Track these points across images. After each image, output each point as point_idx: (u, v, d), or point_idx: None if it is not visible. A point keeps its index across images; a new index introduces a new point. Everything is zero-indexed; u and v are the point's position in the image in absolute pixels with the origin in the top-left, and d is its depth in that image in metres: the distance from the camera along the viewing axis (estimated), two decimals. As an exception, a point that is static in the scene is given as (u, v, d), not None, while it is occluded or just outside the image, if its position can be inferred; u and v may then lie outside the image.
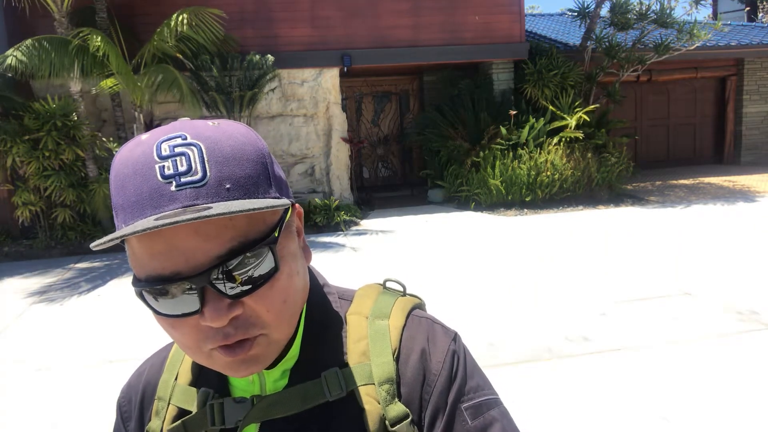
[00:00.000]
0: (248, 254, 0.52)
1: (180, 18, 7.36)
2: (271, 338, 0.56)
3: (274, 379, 0.63)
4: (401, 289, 0.71)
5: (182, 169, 0.51)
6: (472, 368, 0.65)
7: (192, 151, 0.52)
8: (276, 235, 0.55)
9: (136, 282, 0.53)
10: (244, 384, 0.64)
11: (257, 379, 0.63)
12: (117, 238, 0.49)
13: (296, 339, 0.64)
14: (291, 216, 0.59)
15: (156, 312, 0.54)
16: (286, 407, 0.60)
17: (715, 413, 2.73)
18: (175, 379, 0.68)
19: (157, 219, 0.48)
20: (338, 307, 0.68)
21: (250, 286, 0.53)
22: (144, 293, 0.53)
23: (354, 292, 0.71)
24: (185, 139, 0.52)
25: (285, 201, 0.53)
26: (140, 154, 0.53)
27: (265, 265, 0.53)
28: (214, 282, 0.51)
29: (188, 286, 0.51)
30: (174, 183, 0.50)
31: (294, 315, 0.59)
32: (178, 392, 0.66)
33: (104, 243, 0.49)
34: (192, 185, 0.50)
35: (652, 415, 2.74)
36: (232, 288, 0.52)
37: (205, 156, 0.52)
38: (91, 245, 0.51)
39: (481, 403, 0.62)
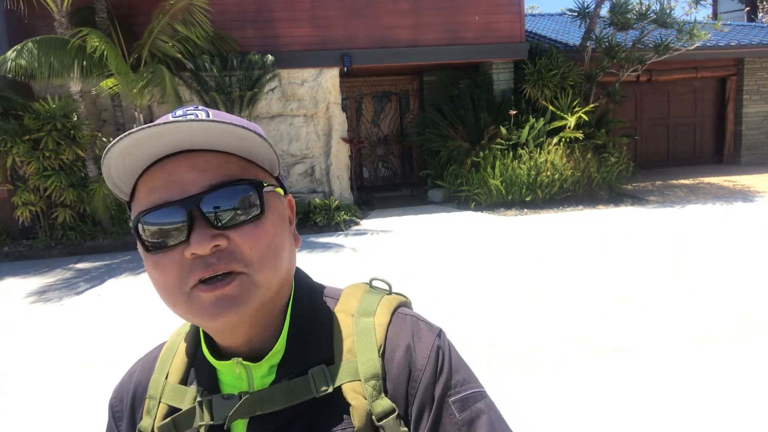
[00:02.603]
0: (236, 188, 0.58)
1: (169, 11, 7.38)
2: (252, 279, 0.58)
3: (262, 375, 0.64)
4: (387, 287, 0.73)
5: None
6: (458, 363, 0.66)
7: (200, 113, 0.60)
8: (265, 184, 0.61)
9: (132, 220, 0.59)
10: (232, 380, 0.65)
11: (245, 375, 0.64)
12: (121, 139, 0.54)
13: (282, 333, 0.65)
14: (283, 199, 0.66)
15: (146, 246, 0.58)
16: (273, 403, 0.61)
17: (715, 414, 2.73)
18: (166, 378, 0.69)
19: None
20: (324, 304, 0.69)
21: (236, 220, 0.58)
22: (139, 225, 0.58)
23: (340, 291, 0.72)
24: (197, 107, 0.61)
25: (273, 153, 0.62)
26: (156, 119, 0.62)
27: (252, 206, 0.59)
28: (201, 207, 0.56)
29: (177, 213, 0.56)
30: None
31: (276, 266, 0.61)
32: (168, 391, 0.68)
33: (105, 154, 0.56)
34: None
35: (652, 415, 2.74)
36: (218, 218, 0.57)
37: (210, 115, 0.59)
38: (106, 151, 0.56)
39: (468, 396, 0.63)
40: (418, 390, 0.62)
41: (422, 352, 0.64)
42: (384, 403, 0.61)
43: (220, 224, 0.57)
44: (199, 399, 0.64)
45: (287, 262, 0.64)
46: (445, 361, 0.64)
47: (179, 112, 0.60)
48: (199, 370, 0.67)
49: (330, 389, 0.61)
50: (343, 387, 0.62)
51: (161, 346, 0.75)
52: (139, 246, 0.60)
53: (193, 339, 0.70)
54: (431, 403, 0.61)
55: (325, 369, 0.62)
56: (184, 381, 0.68)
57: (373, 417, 0.60)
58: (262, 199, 0.60)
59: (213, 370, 0.66)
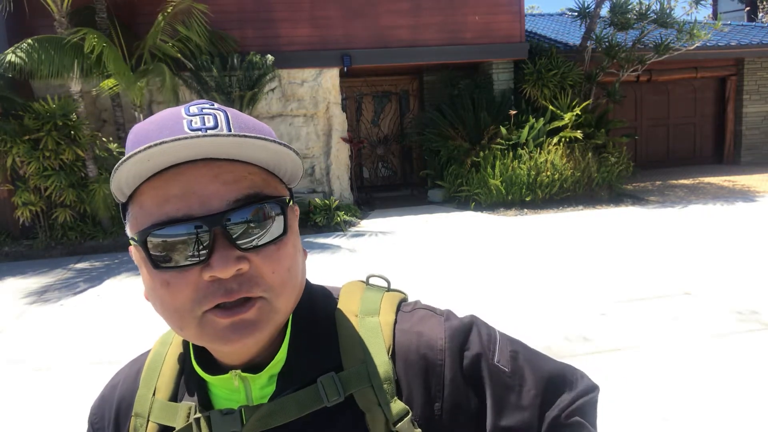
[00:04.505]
0: (262, 206, 0.53)
1: (171, 13, 7.38)
2: (272, 305, 0.54)
3: (261, 386, 0.60)
4: (385, 284, 0.69)
5: (209, 125, 0.53)
6: (471, 329, 0.64)
7: (219, 114, 0.55)
8: (287, 200, 0.57)
9: (141, 232, 0.52)
10: (227, 393, 0.61)
11: (242, 387, 0.60)
12: (150, 147, 0.48)
13: (284, 342, 0.61)
14: (295, 211, 0.61)
15: (156, 264, 0.52)
16: (283, 416, 0.57)
17: (715, 413, 2.73)
18: (153, 394, 0.64)
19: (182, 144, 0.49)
20: (325, 307, 0.65)
21: (260, 242, 0.53)
22: (149, 240, 0.51)
23: (339, 290, 0.69)
24: (212, 106, 0.56)
25: (300, 168, 0.58)
26: (168, 113, 0.55)
27: (276, 226, 0.54)
28: (226, 226, 0.51)
29: (198, 230, 0.51)
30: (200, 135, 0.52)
31: (294, 290, 0.57)
32: (157, 408, 0.63)
33: (124, 161, 0.49)
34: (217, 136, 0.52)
35: (651, 415, 2.74)
36: (242, 238, 0.52)
37: (230, 120, 0.55)
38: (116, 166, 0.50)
39: (501, 348, 0.63)
40: (446, 384, 0.59)
41: (437, 345, 0.61)
42: (398, 406, 0.58)
43: (243, 245, 0.52)
44: (195, 416, 0.59)
45: (302, 281, 0.60)
46: (464, 343, 0.62)
47: (194, 108, 0.54)
48: (189, 385, 0.63)
49: (341, 398, 0.58)
50: (355, 394, 0.59)
51: (144, 356, 0.69)
52: (143, 260, 0.54)
53: (182, 351, 0.66)
54: (480, 383, 0.60)
55: (334, 377, 0.59)
56: (174, 397, 0.63)
57: (390, 422, 0.58)
58: (287, 219, 0.55)
59: (204, 384, 0.62)
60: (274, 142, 0.52)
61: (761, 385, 2.96)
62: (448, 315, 0.65)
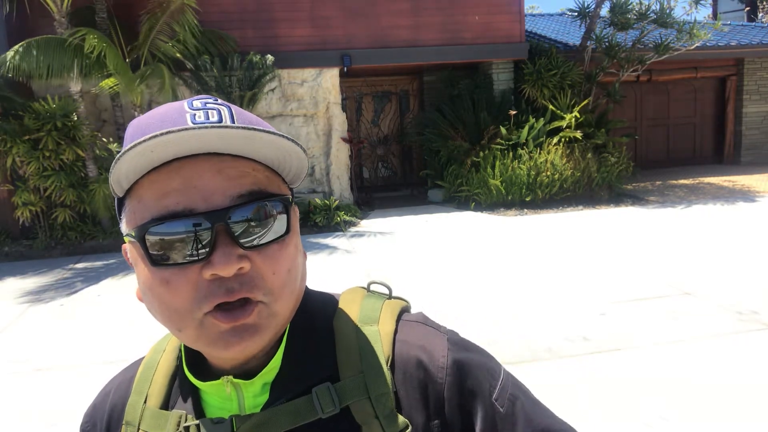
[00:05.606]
0: (265, 204, 0.52)
1: (166, 11, 7.39)
2: (271, 309, 0.53)
3: (254, 394, 0.58)
4: (387, 291, 0.67)
5: (213, 119, 0.52)
6: (476, 359, 0.62)
7: (223, 109, 0.53)
8: (290, 199, 0.55)
9: (140, 227, 0.50)
10: (219, 402, 0.59)
11: (235, 395, 0.58)
12: (155, 137, 0.46)
13: (279, 348, 0.59)
14: (297, 211, 0.60)
15: (154, 261, 0.50)
16: (275, 427, 0.55)
17: (714, 413, 2.73)
18: (144, 401, 0.62)
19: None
20: (323, 313, 0.63)
21: (262, 241, 0.52)
22: (147, 236, 0.50)
23: (338, 297, 0.67)
24: (216, 101, 0.54)
25: (306, 167, 0.56)
26: (170, 106, 0.54)
27: (279, 225, 0.53)
28: (229, 222, 0.50)
29: (199, 226, 0.49)
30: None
31: (293, 293, 0.56)
32: (147, 416, 0.61)
33: (126, 151, 0.47)
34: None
35: (651, 414, 2.74)
36: (244, 236, 0.51)
37: (234, 115, 0.53)
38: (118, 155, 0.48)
39: (502, 387, 0.60)
40: (445, 402, 0.58)
41: (438, 362, 0.59)
42: (398, 420, 0.56)
43: (246, 243, 0.50)
44: (185, 424, 0.58)
45: (301, 285, 0.59)
46: (467, 368, 0.60)
47: (197, 103, 0.53)
48: (181, 392, 0.61)
49: (336, 410, 0.56)
50: (351, 406, 0.56)
51: (138, 363, 0.68)
52: (141, 257, 0.52)
53: (175, 358, 0.64)
54: (473, 414, 0.58)
55: (330, 387, 0.56)
56: (165, 405, 0.61)
57: None
58: (290, 218, 0.54)
59: (196, 391, 0.60)
60: (283, 137, 0.51)
61: (761, 385, 2.96)
62: (453, 335, 0.64)
